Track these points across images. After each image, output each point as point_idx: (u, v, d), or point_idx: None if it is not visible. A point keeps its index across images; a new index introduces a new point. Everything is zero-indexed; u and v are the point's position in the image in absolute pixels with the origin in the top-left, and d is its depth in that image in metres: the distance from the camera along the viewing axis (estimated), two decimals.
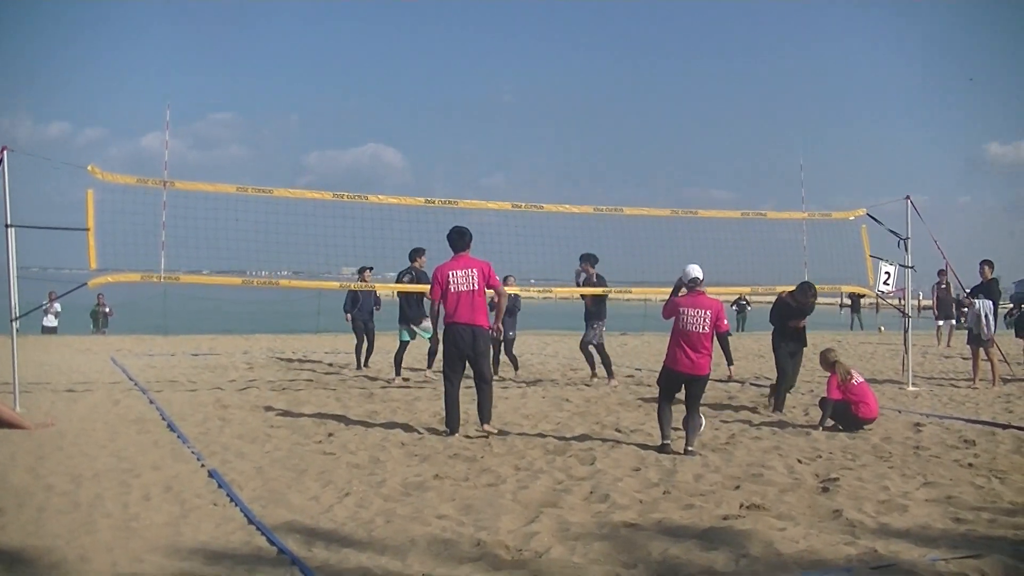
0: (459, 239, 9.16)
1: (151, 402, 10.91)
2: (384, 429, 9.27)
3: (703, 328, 8.29)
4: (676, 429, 8.53)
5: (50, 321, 25.50)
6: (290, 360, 17.20)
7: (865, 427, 9.46)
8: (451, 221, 12.63)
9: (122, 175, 11.04)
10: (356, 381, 13.78)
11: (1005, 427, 9.72)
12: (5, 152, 10.01)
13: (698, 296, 8.50)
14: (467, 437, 8.82)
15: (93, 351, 18.48)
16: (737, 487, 6.83)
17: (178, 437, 8.63)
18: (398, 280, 13.47)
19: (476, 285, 8.93)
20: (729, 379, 9.67)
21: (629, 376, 14.98)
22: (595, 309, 13.42)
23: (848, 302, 37.85)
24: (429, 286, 9.60)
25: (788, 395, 11.18)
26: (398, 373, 13.62)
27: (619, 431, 9.35)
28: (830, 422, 9.60)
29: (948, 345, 21.76)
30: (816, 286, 11.33)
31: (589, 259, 13.31)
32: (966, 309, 15.11)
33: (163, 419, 9.63)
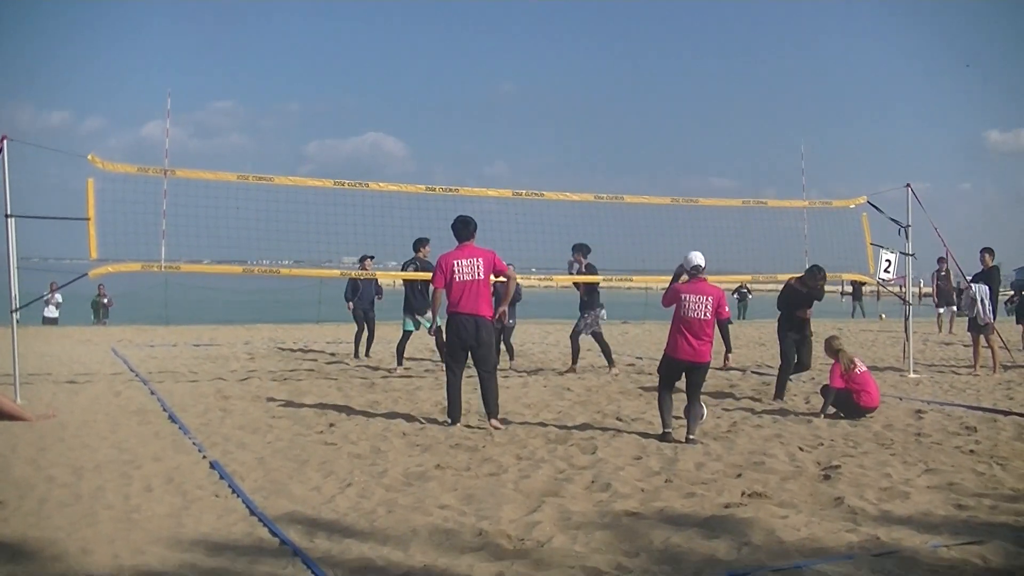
0: (463, 228, 9.10)
1: (152, 393, 10.91)
2: (385, 419, 9.27)
3: (705, 315, 8.28)
4: (677, 418, 8.53)
5: (51, 312, 25.51)
6: (291, 350, 17.20)
7: (867, 416, 9.46)
8: (452, 208, 12.64)
9: (122, 164, 11.00)
10: (357, 371, 13.78)
11: (1006, 414, 9.73)
12: (5, 141, 9.98)
13: (699, 283, 8.50)
14: (468, 427, 8.81)
15: (94, 342, 18.48)
16: (739, 475, 6.83)
17: (179, 428, 8.63)
18: (403, 271, 13.47)
19: (481, 275, 8.88)
20: (726, 367, 9.65)
21: (630, 364, 14.99)
22: (588, 299, 13.42)
23: (850, 290, 37.83)
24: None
25: (789, 381, 11.17)
26: (400, 363, 13.62)
27: (620, 420, 9.35)
28: (831, 410, 9.60)
29: (951, 332, 21.75)
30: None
31: (581, 249, 13.32)
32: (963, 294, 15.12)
33: (164, 410, 9.63)
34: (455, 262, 8.88)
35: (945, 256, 19.26)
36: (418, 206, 13.06)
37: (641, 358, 16.03)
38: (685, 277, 8.72)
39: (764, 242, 14.65)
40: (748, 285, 35.75)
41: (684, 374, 8.45)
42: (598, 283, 13.49)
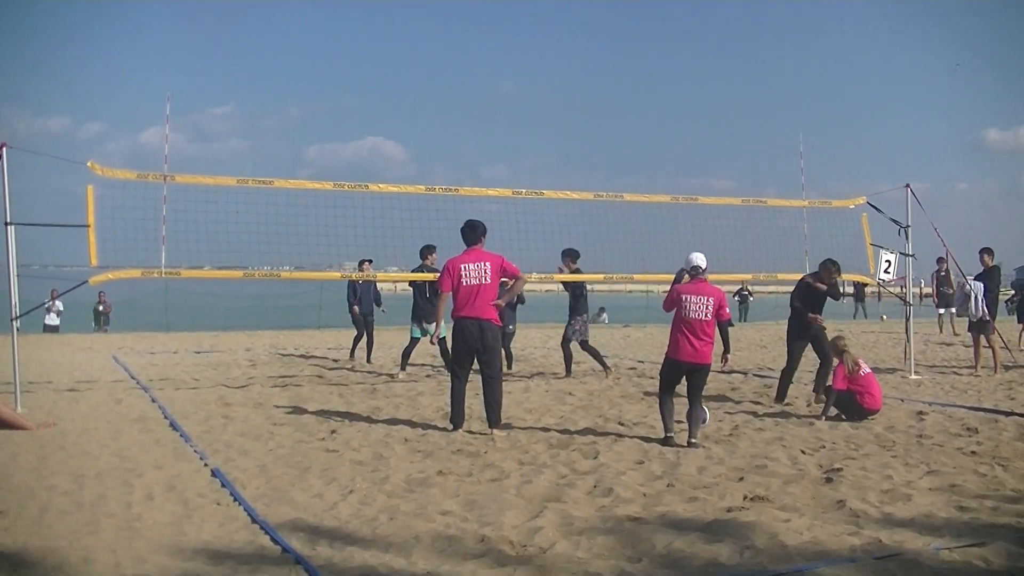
0: (471, 232, 9.08)
1: (153, 400, 10.90)
2: (387, 425, 9.27)
3: (706, 315, 8.27)
4: (679, 421, 8.53)
5: (52, 319, 25.52)
6: (293, 356, 17.20)
7: (868, 418, 9.45)
8: (452, 209, 12.66)
9: (122, 170, 10.99)
10: (359, 377, 13.77)
11: (1008, 414, 9.72)
12: (4, 148, 9.98)
13: (700, 283, 8.49)
14: (470, 432, 8.81)
15: (95, 349, 18.48)
16: (741, 479, 6.83)
17: (180, 436, 8.62)
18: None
19: (488, 279, 8.85)
20: (724, 367, 9.61)
21: (632, 368, 14.98)
22: (575, 304, 13.43)
23: (851, 291, 37.80)
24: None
25: (792, 384, 11.15)
26: (403, 367, 13.62)
27: (622, 424, 9.35)
28: (833, 411, 9.60)
29: (955, 333, 21.72)
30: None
31: (570, 254, 13.33)
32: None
33: (165, 417, 9.63)
34: (462, 266, 8.87)
35: (945, 256, 19.27)
36: (418, 207, 13.03)
37: (643, 362, 16.02)
38: (687, 278, 8.72)
39: (764, 242, 14.64)
40: (749, 287, 35.74)
41: (685, 376, 8.45)
42: (584, 287, 13.44)
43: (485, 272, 8.84)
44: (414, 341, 13.70)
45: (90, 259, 10.52)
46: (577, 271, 13.30)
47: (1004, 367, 13.91)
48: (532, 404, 10.72)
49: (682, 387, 8.50)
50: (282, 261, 14.46)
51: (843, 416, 9.54)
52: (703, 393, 8.57)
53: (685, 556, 4.96)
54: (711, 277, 8.92)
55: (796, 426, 9.19)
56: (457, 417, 8.95)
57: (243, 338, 21.72)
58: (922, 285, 29.36)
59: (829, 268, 10.91)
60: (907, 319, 14.06)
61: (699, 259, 8.60)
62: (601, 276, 13.56)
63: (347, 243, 13.11)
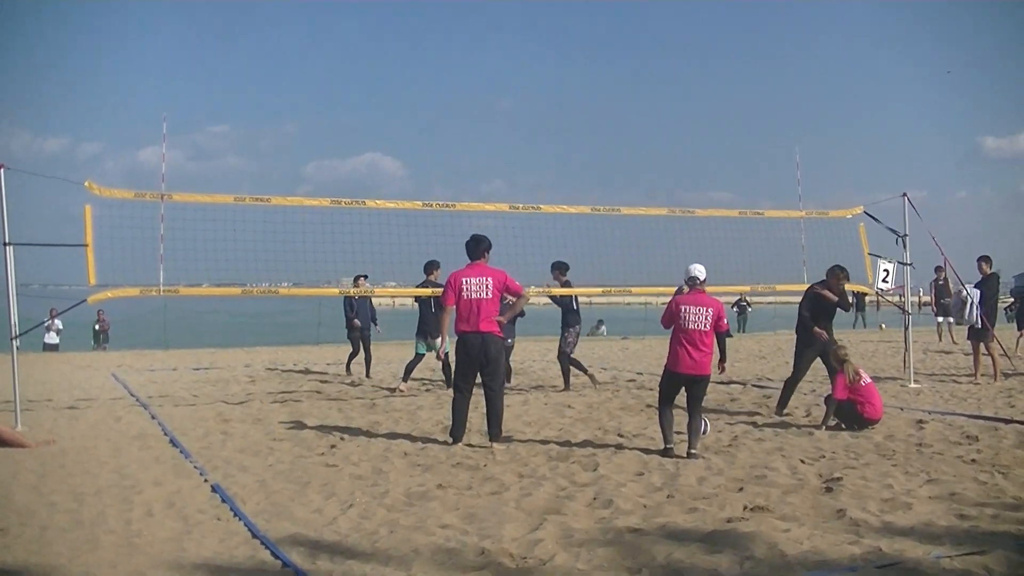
0: (475, 247, 9.11)
1: (153, 417, 10.90)
2: (387, 439, 9.27)
3: (705, 326, 8.28)
4: (679, 432, 8.53)
5: (51, 338, 25.52)
6: (291, 372, 17.19)
7: (869, 428, 9.45)
8: (450, 224, 12.72)
9: (119, 190, 11.04)
10: (358, 392, 13.77)
11: (1008, 422, 9.72)
12: (2, 170, 10.01)
13: (699, 294, 8.51)
14: (469, 446, 8.80)
15: (94, 367, 18.46)
16: (740, 489, 6.83)
17: (180, 452, 8.62)
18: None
19: (490, 294, 8.86)
20: (722, 377, 9.59)
21: (631, 380, 14.98)
22: (566, 316, 13.47)
23: (852, 300, 37.69)
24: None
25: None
26: (406, 379, 13.64)
27: (621, 436, 9.34)
28: (833, 421, 9.60)
29: (954, 342, 21.72)
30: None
31: (559, 267, 13.39)
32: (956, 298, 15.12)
33: (165, 434, 9.63)
34: (464, 279, 8.90)
35: (943, 265, 19.29)
36: (416, 223, 13.08)
37: (642, 373, 16.02)
38: (686, 289, 8.74)
39: (762, 253, 14.67)
40: (747, 298, 35.77)
41: (685, 388, 8.45)
42: (573, 300, 13.45)
43: (487, 287, 8.85)
44: (419, 356, 13.74)
45: (89, 278, 10.55)
46: (567, 283, 13.33)
47: (1004, 375, 13.92)
48: (531, 417, 10.72)
49: (681, 398, 8.51)
50: (280, 278, 14.49)
51: (843, 425, 9.55)
52: (702, 404, 8.57)
53: (685, 567, 4.96)
54: (709, 289, 8.94)
55: (796, 436, 9.19)
56: (457, 431, 8.95)
57: (242, 355, 21.71)
58: (920, 294, 29.37)
59: (837, 274, 10.75)
60: (906, 328, 14.07)
61: (697, 270, 8.62)
62: (599, 290, 13.57)
63: (345, 259, 13.15)
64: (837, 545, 5.29)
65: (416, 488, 6.99)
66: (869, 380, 9.76)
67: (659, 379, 8.87)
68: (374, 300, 16.49)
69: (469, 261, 9.10)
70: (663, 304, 9.14)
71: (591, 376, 13.63)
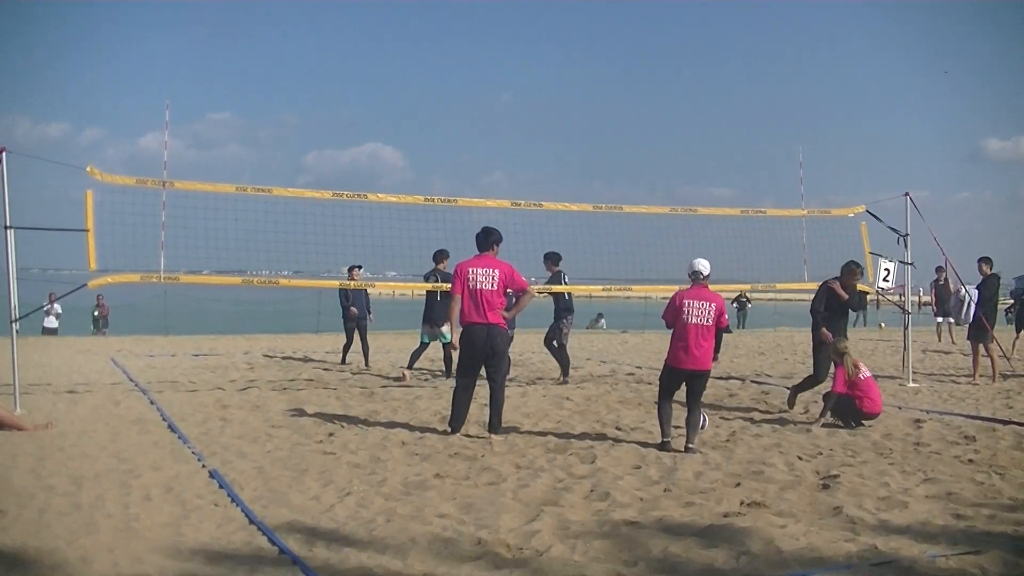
0: (484, 239, 9.11)
1: (151, 403, 10.91)
2: (385, 428, 9.28)
3: (707, 321, 8.28)
4: (676, 427, 8.54)
5: (51, 322, 25.54)
6: (291, 359, 17.20)
7: (867, 422, 9.46)
8: (450, 219, 12.74)
9: (121, 176, 11.04)
10: (357, 380, 13.78)
11: (1005, 423, 9.73)
12: (4, 154, 10.00)
13: (701, 289, 8.49)
14: (467, 436, 8.82)
15: (93, 352, 18.47)
16: (738, 484, 6.84)
17: (179, 437, 8.63)
18: (425, 282, 13.56)
19: (495, 286, 8.84)
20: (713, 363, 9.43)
21: (630, 374, 14.99)
22: (557, 306, 13.47)
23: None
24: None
25: (788, 391, 11.13)
26: (410, 366, 13.66)
27: (620, 429, 9.36)
28: (831, 419, 9.60)
29: (953, 342, 21.72)
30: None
31: (552, 258, 13.42)
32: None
33: (164, 420, 9.63)
34: (470, 269, 8.89)
35: (944, 265, 19.30)
36: (417, 217, 13.10)
37: (640, 367, 16.03)
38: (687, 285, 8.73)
39: (763, 251, 14.65)
40: (747, 294, 35.79)
41: (685, 383, 8.46)
42: (562, 291, 13.46)
43: (493, 279, 8.85)
44: (423, 345, 13.78)
45: (89, 263, 10.55)
46: (559, 273, 13.34)
47: (1002, 376, 13.93)
48: (530, 408, 10.73)
49: (681, 392, 8.52)
50: (281, 267, 14.51)
51: (841, 424, 9.55)
52: (701, 398, 8.58)
53: (681, 561, 4.97)
54: (711, 287, 8.92)
55: (793, 432, 9.20)
56: (457, 421, 8.96)
57: (241, 342, 21.72)
58: (920, 293, 29.39)
59: (853, 270, 10.58)
60: (905, 327, 14.07)
61: (702, 265, 8.59)
62: (600, 288, 13.57)
63: (345, 251, 13.19)
64: (833, 542, 5.30)
65: (414, 477, 7.00)
66: (868, 374, 9.76)
67: (658, 373, 8.88)
68: (370, 289, 16.47)
69: (477, 252, 9.11)
70: (663, 299, 9.13)
71: (563, 372, 13.69)
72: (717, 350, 8.65)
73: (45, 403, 10.69)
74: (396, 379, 13.63)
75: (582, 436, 8.93)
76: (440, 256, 13.35)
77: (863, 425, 9.46)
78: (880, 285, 13.77)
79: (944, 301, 21.97)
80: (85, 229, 10.43)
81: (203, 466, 7.34)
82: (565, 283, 13.36)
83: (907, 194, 13.64)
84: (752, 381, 13.86)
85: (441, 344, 13.75)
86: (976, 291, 13.88)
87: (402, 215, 12.93)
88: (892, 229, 13.74)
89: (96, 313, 27.45)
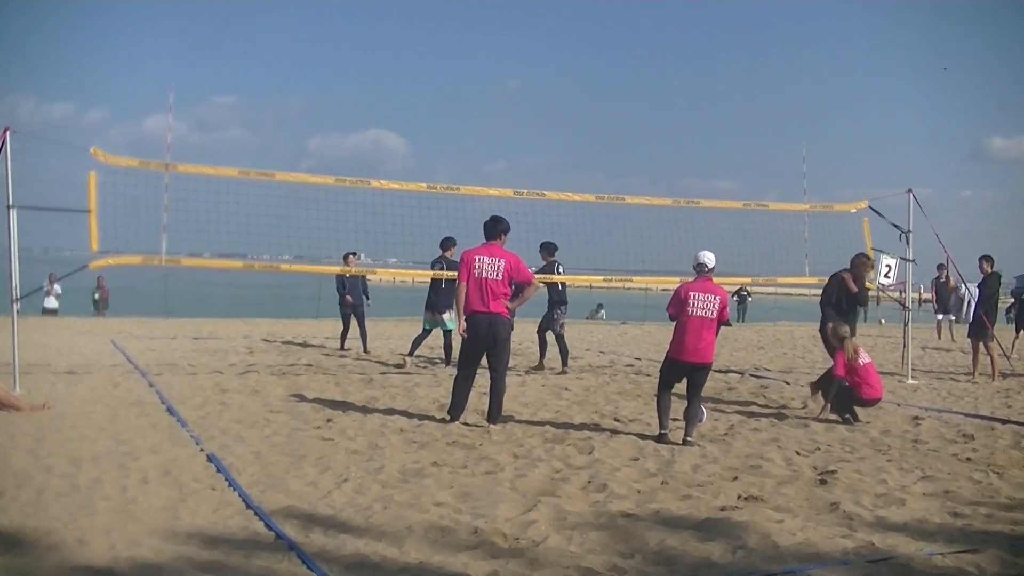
0: (492, 227, 9.08)
1: (151, 385, 10.91)
2: (383, 415, 9.28)
3: (711, 313, 8.28)
4: (675, 419, 8.54)
5: (51, 303, 25.49)
6: (290, 344, 17.20)
7: (864, 422, 9.45)
8: (453, 207, 12.72)
9: (124, 157, 11.01)
10: (356, 367, 13.78)
11: (1004, 422, 9.73)
12: (8, 133, 9.99)
13: (706, 281, 8.48)
14: (466, 425, 8.82)
15: (93, 333, 18.47)
16: (735, 478, 6.84)
17: (177, 421, 8.63)
18: (431, 270, 13.57)
19: (501, 275, 8.82)
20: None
21: (628, 366, 14.99)
22: (551, 296, 13.47)
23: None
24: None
25: (787, 385, 11.13)
26: (411, 353, 13.67)
27: (618, 420, 9.36)
28: (832, 415, 9.60)
29: (953, 340, 21.72)
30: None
31: (547, 247, 13.41)
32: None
33: (162, 402, 9.64)
34: (477, 257, 8.86)
35: (945, 262, 19.28)
36: (419, 204, 13.07)
37: (640, 359, 16.02)
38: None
39: (764, 245, 14.62)
40: (748, 288, 35.76)
41: (686, 375, 8.45)
42: (552, 281, 13.44)
43: (498, 268, 8.83)
44: (425, 332, 13.80)
45: (91, 244, 10.54)
46: (552, 263, 13.32)
47: (1002, 375, 13.93)
48: (528, 398, 10.73)
49: (680, 385, 8.51)
50: (282, 251, 14.48)
51: (839, 419, 9.53)
52: (702, 391, 8.58)
53: (677, 554, 4.97)
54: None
55: (792, 427, 9.20)
56: (456, 409, 8.95)
57: (241, 326, 21.72)
58: (921, 290, 29.38)
59: (863, 262, 10.54)
60: (906, 324, 14.07)
61: (707, 257, 8.56)
62: (601, 278, 13.54)
63: (347, 237, 13.17)
64: (829, 538, 5.31)
65: (411, 465, 7.00)
66: (868, 360, 9.76)
67: (657, 365, 8.87)
68: (371, 276, 16.46)
69: (484, 240, 9.08)
70: (663, 290, 9.13)
71: (541, 362, 13.74)
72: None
73: (45, 383, 10.69)
74: (396, 366, 13.64)
75: (580, 427, 8.93)
76: (447, 244, 13.33)
77: (860, 422, 9.46)
78: (881, 281, 13.76)
79: (945, 299, 21.98)
80: (87, 210, 10.42)
81: (201, 450, 7.34)
82: (559, 274, 13.34)
83: (910, 191, 13.62)
84: (751, 375, 13.86)
85: (442, 331, 13.76)
86: (977, 289, 13.85)
87: (404, 202, 12.92)
88: (894, 225, 13.71)
89: (97, 295, 27.42)
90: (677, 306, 8.43)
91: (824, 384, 10.12)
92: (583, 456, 7.55)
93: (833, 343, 9.95)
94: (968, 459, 7.76)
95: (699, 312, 8.27)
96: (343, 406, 9.78)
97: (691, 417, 8.30)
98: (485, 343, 8.83)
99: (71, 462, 6.72)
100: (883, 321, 30.64)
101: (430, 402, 10.17)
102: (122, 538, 4.95)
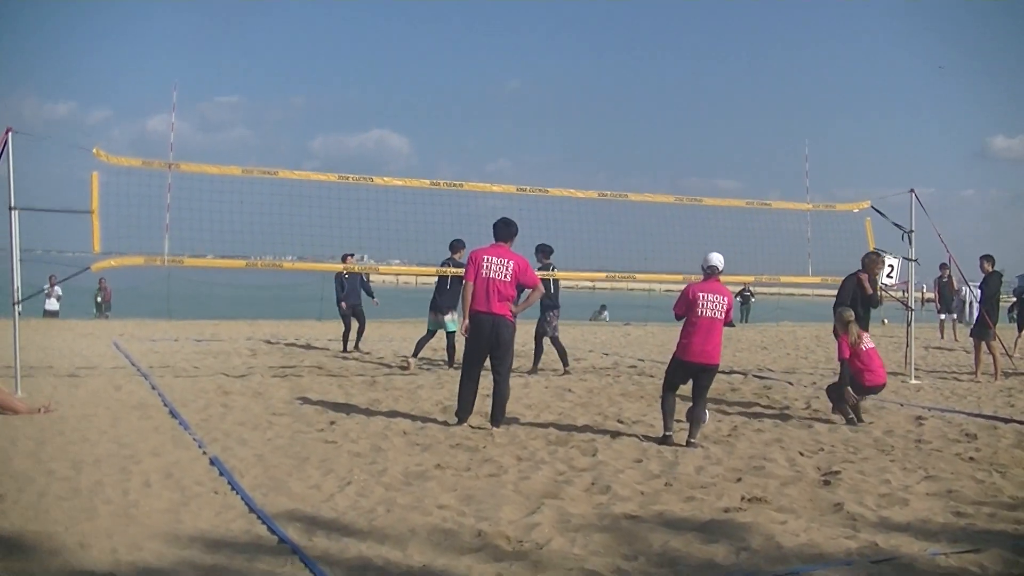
0: (503, 229, 9.04)
1: (153, 387, 10.91)
2: (386, 418, 9.27)
3: (719, 315, 8.27)
4: (678, 421, 8.52)
5: (52, 305, 25.52)
6: (293, 346, 17.20)
7: (871, 394, 9.43)
8: (456, 204, 12.72)
9: (127, 157, 11.01)
10: (358, 368, 13.78)
11: (1007, 421, 9.71)
12: (10, 133, 9.98)
13: (714, 283, 8.47)
14: (469, 427, 8.80)
15: (95, 335, 18.48)
16: (738, 479, 6.83)
17: (179, 423, 8.63)
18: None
19: (507, 276, 8.78)
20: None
21: (632, 367, 14.97)
22: (543, 300, 13.46)
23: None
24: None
25: (791, 385, 11.11)
26: (415, 355, 13.66)
27: (621, 422, 9.35)
28: (837, 417, 9.59)
29: (955, 339, 21.70)
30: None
31: (543, 250, 13.36)
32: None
33: (165, 405, 9.64)
34: (485, 257, 8.83)
35: (947, 262, 19.26)
36: (422, 201, 13.06)
37: (643, 360, 16.01)
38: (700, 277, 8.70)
39: (767, 244, 14.61)
40: (751, 288, 35.71)
41: (693, 377, 8.43)
42: (551, 283, 13.40)
43: (507, 269, 8.80)
44: (430, 334, 13.79)
45: (93, 245, 10.53)
46: (549, 265, 13.31)
47: (1004, 374, 13.91)
48: (531, 400, 10.72)
49: (684, 387, 8.49)
50: (285, 251, 14.49)
51: (842, 419, 9.53)
52: (707, 393, 8.56)
53: (681, 556, 4.96)
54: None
55: (795, 428, 9.19)
56: (463, 412, 8.91)
57: (244, 327, 21.72)
58: (924, 290, 29.34)
59: (875, 259, 10.58)
60: (908, 324, 14.06)
61: (717, 259, 8.54)
62: (603, 275, 13.53)
63: (350, 235, 13.16)
64: (833, 538, 5.29)
65: (414, 467, 6.99)
66: (872, 345, 9.77)
67: (660, 367, 8.86)
68: (374, 276, 16.50)
69: (494, 241, 9.06)
70: (666, 290, 9.12)
71: (535, 364, 13.72)
72: None
73: (46, 386, 10.69)
74: (401, 367, 13.64)
75: (584, 428, 8.92)
76: (456, 246, 13.31)
77: (863, 422, 9.45)
78: (884, 281, 13.74)
79: (947, 298, 21.98)
80: (90, 211, 10.41)
81: (204, 453, 7.33)
82: (553, 278, 13.33)
83: (912, 190, 13.61)
84: (754, 376, 13.84)
85: (445, 333, 13.75)
86: (978, 289, 13.84)
87: (408, 199, 12.92)
88: (897, 225, 13.70)
89: (99, 297, 27.44)
90: (685, 307, 8.41)
91: (835, 392, 10.12)
92: (586, 458, 7.53)
93: (838, 327, 9.97)
94: (971, 459, 7.75)
95: (708, 313, 8.26)
96: (346, 408, 9.77)
97: (695, 418, 8.28)
98: (488, 344, 8.79)
99: (73, 465, 6.71)
100: (886, 321, 30.59)
101: (433, 404, 10.16)
102: (124, 542, 4.94)
